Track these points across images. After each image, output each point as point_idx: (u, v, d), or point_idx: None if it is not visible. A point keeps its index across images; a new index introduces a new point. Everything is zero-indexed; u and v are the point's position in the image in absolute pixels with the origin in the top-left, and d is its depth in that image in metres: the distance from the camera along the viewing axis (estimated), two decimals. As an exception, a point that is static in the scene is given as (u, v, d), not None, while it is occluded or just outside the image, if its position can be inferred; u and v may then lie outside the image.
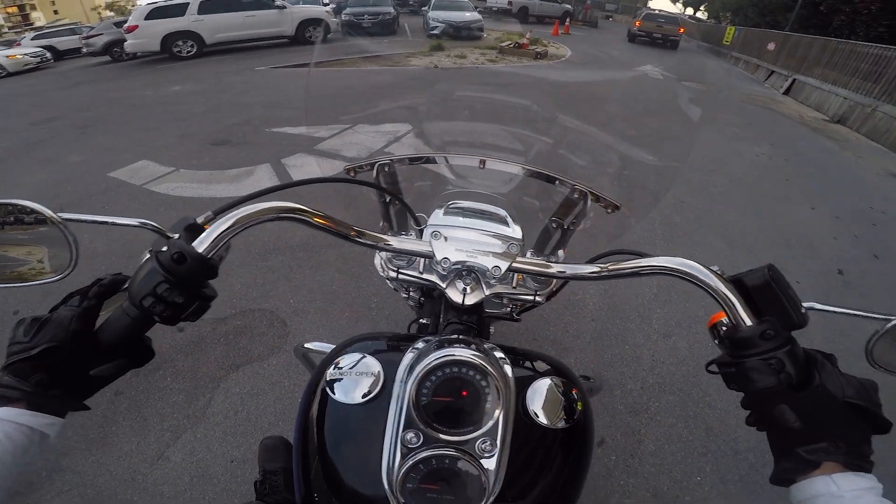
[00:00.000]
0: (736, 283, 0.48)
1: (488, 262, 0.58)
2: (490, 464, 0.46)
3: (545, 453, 0.55)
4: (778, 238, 3.36)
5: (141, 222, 0.51)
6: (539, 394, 0.54)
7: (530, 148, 1.09)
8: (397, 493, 0.45)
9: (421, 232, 0.75)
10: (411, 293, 0.96)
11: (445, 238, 0.60)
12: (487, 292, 0.61)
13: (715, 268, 0.49)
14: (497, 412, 0.45)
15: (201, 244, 0.45)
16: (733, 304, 0.46)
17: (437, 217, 0.70)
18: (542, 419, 0.52)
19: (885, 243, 3.46)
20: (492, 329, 0.95)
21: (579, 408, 0.55)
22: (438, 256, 0.58)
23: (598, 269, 0.54)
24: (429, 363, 0.44)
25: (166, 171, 3.79)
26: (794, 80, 9.91)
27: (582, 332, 2.22)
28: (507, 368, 0.53)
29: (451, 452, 0.45)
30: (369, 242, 0.57)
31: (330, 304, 2.28)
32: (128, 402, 1.73)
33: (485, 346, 0.54)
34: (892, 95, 6.81)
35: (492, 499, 0.47)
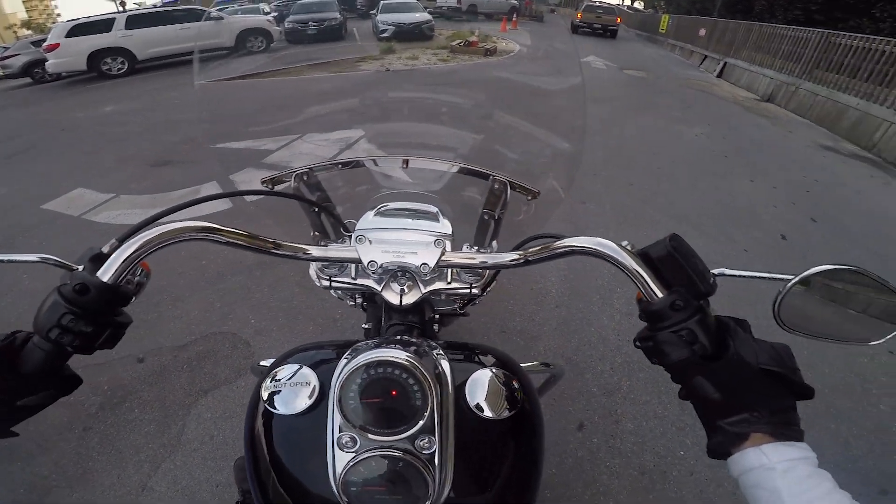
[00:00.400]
0: (643, 256, 0.48)
1: (416, 260, 0.58)
2: (431, 459, 0.46)
3: (493, 444, 0.55)
4: (723, 211, 3.55)
5: (41, 257, 0.49)
6: (480, 386, 0.54)
7: (460, 144, 1.10)
8: (342, 498, 0.45)
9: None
10: (357, 299, 0.95)
11: (370, 241, 0.60)
12: (425, 290, 0.63)
13: (625, 243, 0.49)
14: (429, 408, 0.45)
15: (105, 273, 0.44)
16: (643, 278, 0.47)
17: (366, 221, 0.70)
18: (486, 411, 0.53)
19: (821, 208, 3.74)
20: (436, 327, 0.94)
21: (520, 396, 0.56)
22: (365, 260, 0.58)
23: (519, 256, 0.54)
24: (352, 367, 0.44)
25: (105, 198, 3.57)
26: (726, 63, 10.51)
27: (548, 320, 2.26)
28: (445, 364, 0.53)
29: (389, 453, 0.45)
30: (288, 254, 0.55)
31: (293, 321, 2.22)
32: (98, 437, 1.66)
33: (423, 344, 0.55)
34: (812, 73, 7.34)
35: (445, 494, 0.48)
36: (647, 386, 1.89)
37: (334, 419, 0.46)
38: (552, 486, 1.54)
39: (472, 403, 0.53)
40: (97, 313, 0.44)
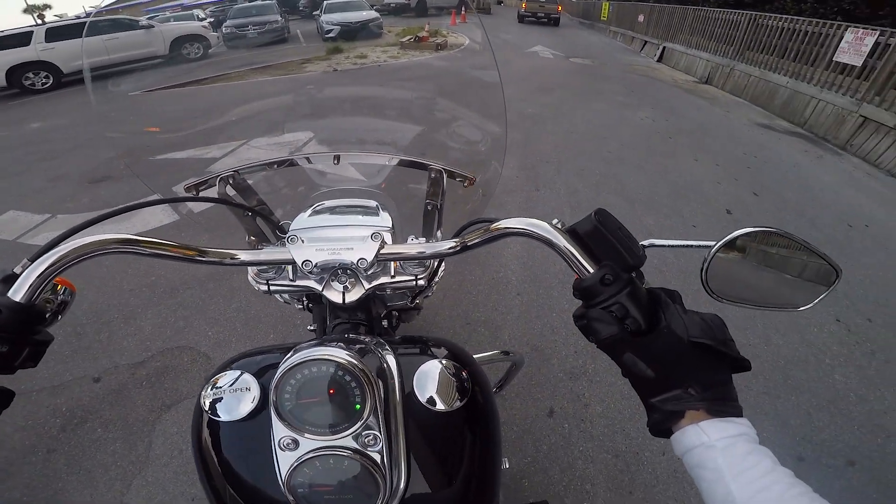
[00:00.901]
0: (571, 233, 0.47)
1: (353, 256, 0.57)
2: (378, 456, 0.46)
3: (448, 436, 0.55)
4: (671, 189, 3.72)
5: None
6: (430, 379, 0.54)
7: (400, 137, 1.10)
8: (290, 499, 0.45)
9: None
10: (303, 301, 0.92)
11: (304, 241, 0.58)
12: (368, 286, 0.61)
13: (555, 221, 0.48)
14: (369, 405, 0.44)
15: (17, 292, 0.43)
16: (573, 255, 0.46)
17: (301, 221, 0.69)
18: (438, 404, 0.53)
19: (761, 182, 3.99)
20: (387, 322, 0.93)
21: (471, 386, 0.56)
22: (300, 260, 0.56)
23: (457, 244, 0.54)
24: (285, 368, 0.44)
25: (41, 219, 3.33)
26: (665, 47, 10.94)
27: (511, 309, 2.31)
28: (391, 359, 0.53)
29: (333, 453, 0.44)
30: (215, 260, 0.54)
31: (252, 330, 2.17)
32: (64, 458, 1.60)
33: (367, 340, 0.55)
34: (744, 55, 7.75)
35: (402, 490, 0.48)
36: (610, 367, 1.93)
37: (274, 422, 0.45)
38: (529, 474, 1.58)
39: (422, 397, 0.53)
40: (13, 333, 0.43)
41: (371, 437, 0.45)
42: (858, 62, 5.14)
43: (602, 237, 0.45)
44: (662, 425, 0.43)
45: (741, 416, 0.41)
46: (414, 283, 0.67)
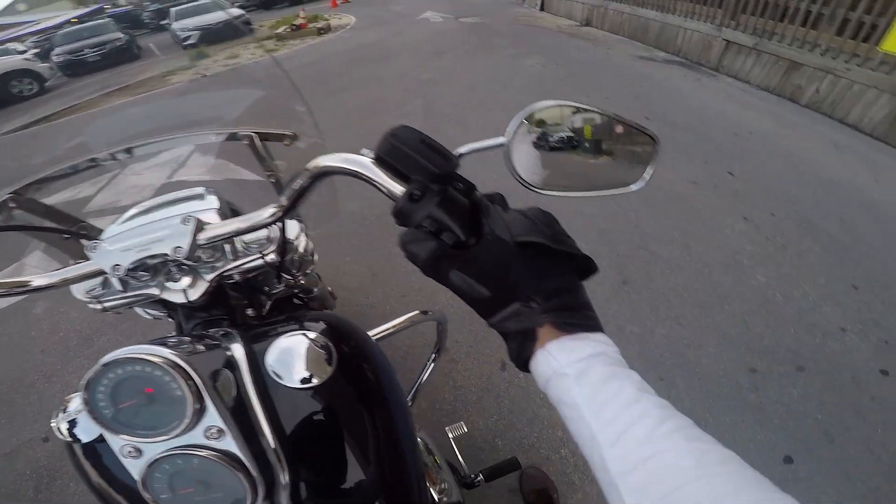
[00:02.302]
0: (376, 159, 0.42)
1: (166, 248, 0.51)
2: (232, 449, 0.43)
3: (325, 411, 0.52)
4: (569, 132, 3.91)
5: None
6: (294, 356, 0.52)
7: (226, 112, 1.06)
8: None
9: None
10: (161, 311, 0.82)
11: (108, 246, 0.52)
12: (211, 277, 0.58)
13: (363, 151, 0.43)
14: (191, 397, 0.40)
15: None
16: (379, 180, 0.41)
17: (111, 230, 0.63)
18: (308, 381, 0.50)
19: (650, 108, 4.29)
20: (247, 311, 0.84)
21: (347, 352, 0.54)
22: (107, 267, 0.51)
23: (276, 208, 0.49)
24: (87, 378, 0.40)
25: None
26: (544, -5, 11.16)
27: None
28: (236, 346, 0.51)
29: (177, 452, 0.42)
30: (1, 292, 0.49)
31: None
32: None
33: (211, 332, 0.54)
34: (614, -8, 8.09)
35: (283, 478, 0.46)
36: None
37: (104, 433, 0.42)
38: (500, 432, 1.61)
39: (286, 378, 0.50)
40: None
41: (214, 430, 0.42)
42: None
43: (402, 154, 0.40)
44: (518, 353, 0.37)
45: (598, 331, 0.36)
46: (262, 260, 0.62)
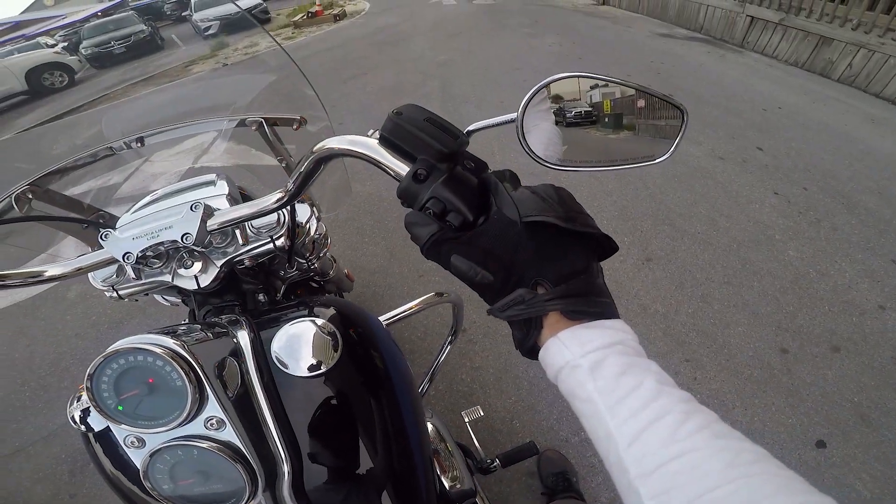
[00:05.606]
0: (381, 139, 0.41)
1: (174, 234, 0.51)
2: (232, 440, 0.43)
3: (331, 399, 0.51)
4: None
5: None
6: (301, 344, 0.51)
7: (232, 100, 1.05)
8: (155, 496, 0.43)
9: None
10: (175, 298, 0.81)
11: (119, 234, 0.53)
12: (220, 263, 0.58)
13: (370, 132, 0.42)
14: (192, 387, 0.40)
15: None
16: (384, 161, 0.40)
17: (124, 219, 0.64)
18: (316, 368, 0.50)
19: (672, 84, 4.17)
20: (260, 296, 0.85)
21: (354, 338, 0.54)
22: (119, 255, 0.51)
23: (283, 193, 0.49)
24: (92, 367, 0.40)
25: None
26: (559, -28, 10.81)
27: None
28: (243, 334, 0.50)
29: (179, 443, 0.41)
30: (18, 283, 0.50)
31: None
32: (87, 499, 1.62)
33: (219, 320, 0.53)
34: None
35: (285, 468, 0.46)
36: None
37: (108, 423, 0.42)
38: (518, 413, 1.58)
39: (292, 366, 0.50)
40: None
41: (214, 421, 0.42)
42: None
43: (407, 133, 0.39)
44: (524, 343, 0.34)
45: (615, 318, 0.33)
46: (271, 245, 0.61)
